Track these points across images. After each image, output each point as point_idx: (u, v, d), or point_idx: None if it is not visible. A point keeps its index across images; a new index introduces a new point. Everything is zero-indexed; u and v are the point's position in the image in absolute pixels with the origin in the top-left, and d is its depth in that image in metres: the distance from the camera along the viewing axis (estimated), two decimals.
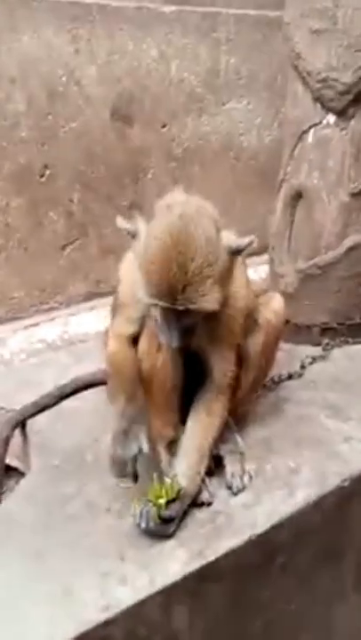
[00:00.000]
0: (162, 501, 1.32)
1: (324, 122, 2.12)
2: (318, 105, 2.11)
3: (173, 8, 2.65)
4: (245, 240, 1.31)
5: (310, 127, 2.15)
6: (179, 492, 1.36)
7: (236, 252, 1.31)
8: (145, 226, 1.31)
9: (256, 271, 2.59)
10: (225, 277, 1.31)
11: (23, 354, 2.37)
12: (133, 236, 1.33)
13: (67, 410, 1.86)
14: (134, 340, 1.52)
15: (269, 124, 3.16)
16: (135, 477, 1.38)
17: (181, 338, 1.30)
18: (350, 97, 2.06)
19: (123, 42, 2.51)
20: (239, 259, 1.48)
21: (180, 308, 1.25)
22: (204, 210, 1.29)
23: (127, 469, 1.36)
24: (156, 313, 1.32)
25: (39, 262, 2.54)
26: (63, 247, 2.60)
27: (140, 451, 1.36)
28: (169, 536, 1.34)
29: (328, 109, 2.10)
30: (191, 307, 1.25)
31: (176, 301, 1.24)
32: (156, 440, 1.53)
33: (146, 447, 1.37)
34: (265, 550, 1.40)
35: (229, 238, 1.31)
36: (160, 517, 1.31)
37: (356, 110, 2.09)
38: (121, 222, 1.35)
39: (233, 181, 3.10)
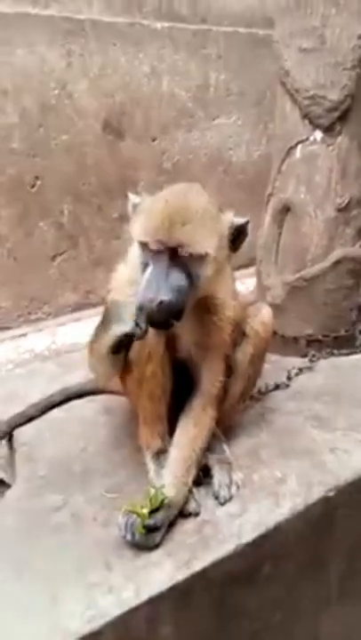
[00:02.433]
0: (145, 511, 1.31)
1: (312, 138, 2.16)
2: (306, 121, 2.15)
3: (165, 25, 2.70)
4: (242, 219, 1.39)
5: (298, 143, 2.19)
6: (162, 501, 1.35)
7: (238, 230, 1.38)
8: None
9: (244, 283, 2.61)
10: (221, 256, 1.36)
11: (10, 364, 2.36)
12: (135, 208, 1.42)
13: (54, 420, 1.85)
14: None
15: (258, 140, 3.21)
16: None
17: (169, 293, 1.25)
18: (337, 114, 2.10)
19: (115, 57, 2.55)
20: (228, 270, 1.51)
21: (176, 243, 1.27)
22: (206, 194, 1.40)
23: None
24: (145, 272, 1.31)
25: (28, 272, 2.55)
26: (53, 258, 2.61)
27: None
28: (155, 547, 1.33)
29: (316, 126, 2.14)
30: (186, 243, 1.28)
31: (173, 235, 1.27)
32: (143, 450, 1.54)
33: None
34: (251, 560, 1.40)
35: (230, 216, 1.40)
36: (144, 527, 1.31)
37: (342, 127, 2.13)
38: (132, 197, 1.46)
39: (222, 195, 3.13)
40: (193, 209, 1.31)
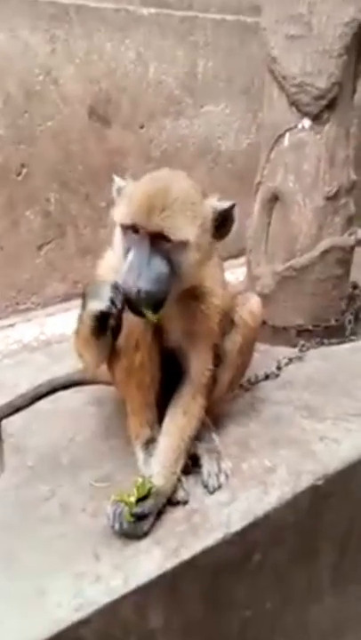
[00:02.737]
0: (132, 499, 1.31)
1: (300, 126, 2.15)
2: (294, 109, 2.14)
3: (152, 10, 2.66)
4: (225, 203, 1.37)
5: (286, 131, 2.18)
6: (150, 489, 1.35)
7: (222, 216, 1.36)
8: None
9: (233, 273, 2.60)
10: (205, 243, 1.35)
11: None
12: (119, 191, 1.41)
13: (42, 411, 1.84)
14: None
15: (247, 128, 3.19)
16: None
17: (150, 281, 1.25)
18: (325, 102, 2.09)
19: (100, 43, 2.51)
20: (216, 259, 1.50)
21: (156, 228, 1.27)
22: (190, 180, 1.40)
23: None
24: (128, 256, 1.30)
25: (15, 262, 2.52)
26: (40, 247, 2.58)
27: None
28: (143, 535, 1.33)
29: (303, 114, 2.13)
30: (166, 230, 1.27)
31: (153, 220, 1.27)
32: (132, 439, 1.53)
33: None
34: (241, 549, 1.40)
35: (214, 201, 1.38)
36: (132, 515, 1.30)
37: (330, 115, 2.12)
38: (117, 180, 1.45)
39: (210, 184, 3.11)
40: (174, 194, 1.29)
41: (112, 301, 1.27)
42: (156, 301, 1.28)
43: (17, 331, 2.49)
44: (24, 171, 2.44)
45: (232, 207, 1.36)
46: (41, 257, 2.59)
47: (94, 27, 2.48)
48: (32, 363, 2.19)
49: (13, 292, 2.55)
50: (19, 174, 2.43)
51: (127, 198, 1.35)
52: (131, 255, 1.30)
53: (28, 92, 2.36)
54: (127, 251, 1.32)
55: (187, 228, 1.29)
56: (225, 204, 1.37)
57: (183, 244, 1.29)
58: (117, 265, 1.36)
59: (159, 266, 1.28)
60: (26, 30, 2.30)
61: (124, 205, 1.34)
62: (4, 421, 1.78)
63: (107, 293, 1.28)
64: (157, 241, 1.28)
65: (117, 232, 1.37)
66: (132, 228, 1.31)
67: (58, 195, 2.55)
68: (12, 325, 2.51)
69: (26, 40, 2.31)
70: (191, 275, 1.36)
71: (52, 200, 2.54)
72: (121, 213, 1.34)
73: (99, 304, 1.30)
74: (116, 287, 1.28)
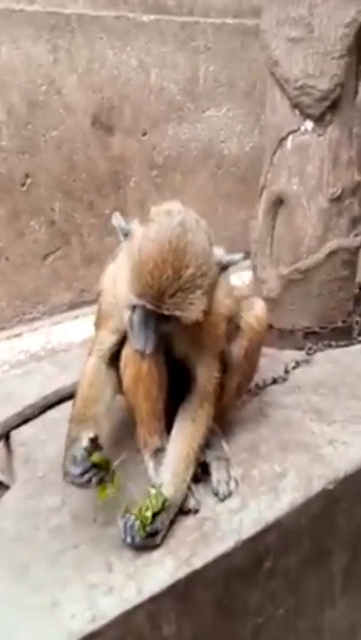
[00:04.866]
0: (148, 514, 1.30)
1: (303, 128, 2.15)
2: (296, 111, 2.13)
3: (152, 17, 2.67)
4: (236, 256, 1.33)
5: (289, 133, 2.17)
6: (164, 502, 1.34)
7: (225, 268, 1.33)
8: (140, 227, 1.29)
9: (239, 277, 2.60)
10: (211, 290, 1.31)
11: (6, 365, 2.35)
12: (126, 234, 1.31)
13: (51, 420, 1.84)
14: (117, 356, 1.52)
15: (250, 132, 3.19)
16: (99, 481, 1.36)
17: (156, 344, 1.28)
18: (327, 103, 2.08)
19: (102, 51, 2.53)
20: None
21: (166, 312, 1.23)
22: (201, 223, 1.29)
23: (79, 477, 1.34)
24: (133, 316, 1.29)
25: (21, 272, 2.53)
26: (45, 256, 2.59)
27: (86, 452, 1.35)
28: (156, 546, 1.33)
29: (306, 116, 2.13)
30: (177, 313, 1.24)
31: (163, 305, 1.22)
32: (141, 448, 1.53)
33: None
34: (252, 555, 1.40)
35: (220, 253, 1.32)
36: (145, 531, 1.30)
37: (333, 117, 2.12)
38: (117, 219, 1.33)
39: (214, 189, 3.12)
40: (184, 274, 1.20)
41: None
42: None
43: (23, 340, 2.50)
44: (28, 181, 2.45)
45: (240, 260, 1.35)
46: (46, 266, 2.60)
47: (96, 35, 2.49)
48: (39, 372, 2.20)
49: (19, 302, 2.56)
50: (23, 184, 2.44)
51: (134, 268, 1.23)
52: (137, 316, 1.28)
53: (32, 103, 2.38)
54: (133, 309, 1.29)
55: (198, 307, 1.25)
56: (233, 258, 1.33)
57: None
58: (122, 281, 1.32)
59: (166, 328, 1.29)
60: (28, 41, 2.32)
61: (132, 277, 1.24)
62: (14, 432, 1.79)
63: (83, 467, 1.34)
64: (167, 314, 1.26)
65: (124, 292, 1.31)
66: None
67: (62, 204, 2.56)
68: (18, 335, 2.52)
69: (28, 51, 2.33)
70: (198, 319, 1.32)
71: (56, 209, 2.55)
72: (129, 288, 1.26)
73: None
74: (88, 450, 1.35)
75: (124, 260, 1.30)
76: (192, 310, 1.25)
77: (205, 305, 1.27)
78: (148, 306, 1.24)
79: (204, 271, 1.24)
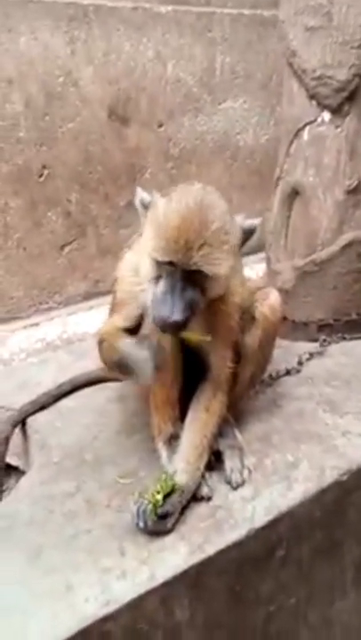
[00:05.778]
0: (159, 497, 1.32)
1: (320, 119, 2.13)
2: (314, 102, 2.12)
3: (169, 8, 2.66)
4: (255, 221, 1.36)
5: (306, 125, 2.16)
6: (173, 486, 1.36)
7: (248, 233, 1.36)
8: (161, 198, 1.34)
9: (253, 269, 2.60)
10: (235, 257, 1.34)
11: (22, 353, 2.38)
12: (146, 207, 1.36)
13: (66, 408, 1.87)
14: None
15: (266, 123, 3.17)
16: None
17: (182, 312, 1.25)
18: (345, 94, 2.06)
19: (119, 42, 2.53)
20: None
21: (194, 267, 1.25)
22: (220, 195, 1.35)
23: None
24: (156, 289, 1.30)
25: (38, 262, 2.55)
26: (62, 247, 2.61)
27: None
28: (168, 531, 1.34)
29: (323, 107, 2.11)
30: (205, 268, 1.25)
31: (191, 259, 1.24)
32: (155, 436, 1.54)
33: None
34: (265, 544, 1.41)
35: (239, 219, 1.37)
36: (156, 514, 1.31)
37: (350, 108, 2.09)
38: (139, 192, 1.38)
39: (229, 180, 3.11)
40: (210, 226, 1.24)
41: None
42: (186, 325, 1.29)
43: (40, 329, 2.53)
44: (45, 172, 2.47)
45: (258, 224, 1.37)
46: (63, 257, 2.62)
47: (113, 26, 2.49)
48: (55, 361, 2.22)
49: (36, 292, 2.59)
50: (40, 176, 2.46)
51: (158, 229, 1.27)
52: (162, 285, 1.29)
53: (49, 94, 2.39)
54: (157, 278, 1.31)
55: (224, 263, 1.27)
56: (253, 222, 1.36)
57: (218, 276, 1.30)
58: (139, 268, 1.36)
59: (192, 295, 1.28)
60: (46, 32, 2.33)
61: (156, 238, 1.27)
62: (30, 419, 1.81)
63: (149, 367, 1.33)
64: (192, 273, 1.27)
65: (145, 260, 1.34)
66: (166, 263, 1.28)
67: (78, 195, 2.58)
68: (35, 324, 2.55)
69: (46, 42, 2.34)
70: (220, 293, 1.37)
71: (72, 201, 2.57)
72: (153, 246, 1.28)
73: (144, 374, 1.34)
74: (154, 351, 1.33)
75: (147, 229, 1.33)
76: (220, 266, 1.26)
77: (232, 263, 1.29)
78: (176, 261, 1.25)
79: (228, 229, 1.28)
